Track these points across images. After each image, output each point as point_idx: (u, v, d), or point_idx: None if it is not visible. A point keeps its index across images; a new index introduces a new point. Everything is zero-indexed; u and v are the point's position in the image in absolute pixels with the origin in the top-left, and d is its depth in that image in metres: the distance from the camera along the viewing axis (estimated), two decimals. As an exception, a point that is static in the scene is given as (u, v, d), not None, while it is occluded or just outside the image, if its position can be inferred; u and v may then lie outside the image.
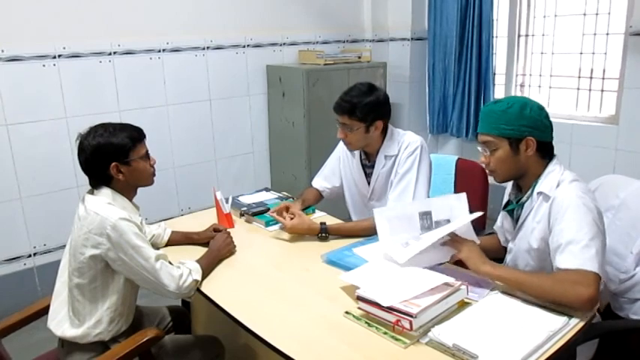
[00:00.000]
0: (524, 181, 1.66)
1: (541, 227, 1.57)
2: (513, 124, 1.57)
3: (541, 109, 1.60)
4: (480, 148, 1.66)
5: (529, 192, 1.63)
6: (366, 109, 2.01)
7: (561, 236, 1.46)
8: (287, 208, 2.12)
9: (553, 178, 1.58)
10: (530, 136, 1.57)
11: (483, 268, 1.53)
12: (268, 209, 2.25)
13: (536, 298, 1.44)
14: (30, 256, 3.00)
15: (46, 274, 2.99)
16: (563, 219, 1.48)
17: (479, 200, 2.36)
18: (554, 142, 1.64)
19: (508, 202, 1.76)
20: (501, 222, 1.83)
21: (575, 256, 1.41)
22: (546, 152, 1.62)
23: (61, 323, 1.66)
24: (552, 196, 1.54)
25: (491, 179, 1.78)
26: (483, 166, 1.68)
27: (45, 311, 1.75)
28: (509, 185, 1.78)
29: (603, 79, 3.34)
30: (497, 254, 1.86)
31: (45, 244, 3.03)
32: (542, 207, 1.57)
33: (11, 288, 2.91)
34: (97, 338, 1.63)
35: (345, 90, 2.08)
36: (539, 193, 1.59)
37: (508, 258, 1.77)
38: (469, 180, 2.43)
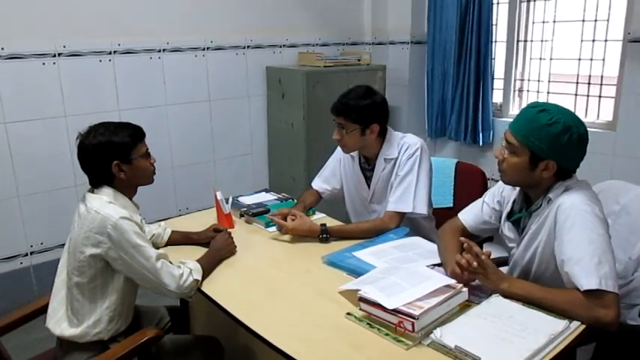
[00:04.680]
0: (533, 192, 1.60)
1: (546, 232, 1.54)
2: (544, 142, 1.46)
3: (582, 138, 1.49)
4: (502, 141, 1.57)
5: (539, 201, 1.58)
6: (361, 112, 2.03)
7: (571, 249, 1.41)
8: (285, 217, 2.06)
9: (562, 185, 1.53)
10: (554, 160, 1.49)
11: (501, 285, 1.48)
12: (268, 210, 2.25)
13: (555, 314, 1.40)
14: (27, 254, 2.99)
15: (42, 273, 2.97)
16: (572, 229, 1.43)
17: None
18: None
19: (511, 212, 1.71)
20: (501, 230, 1.80)
21: (591, 274, 1.35)
22: (564, 175, 1.53)
23: (59, 322, 1.65)
24: (559, 201, 1.50)
25: (492, 183, 1.77)
26: (496, 160, 1.60)
27: (43, 310, 1.74)
28: (511, 195, 1.72)
29: (601, 85, 3.35)
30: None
31: (42, 243, 3.02)
32: (548, 212, 1.53)
33: (7, 287, 2.89)
34: (96, 338, 1.62)
35: (344, 92, 2.10)
36: (549, 201, 1.54)
37: (511, 263, 1.75)
38: (468, 183, 2.44)
